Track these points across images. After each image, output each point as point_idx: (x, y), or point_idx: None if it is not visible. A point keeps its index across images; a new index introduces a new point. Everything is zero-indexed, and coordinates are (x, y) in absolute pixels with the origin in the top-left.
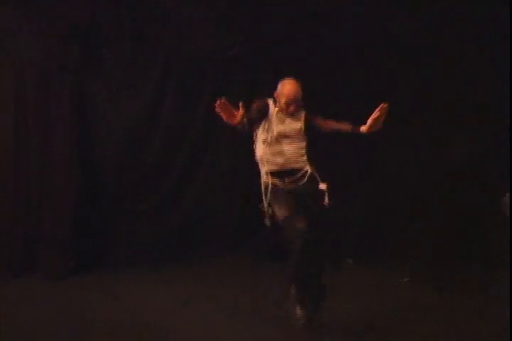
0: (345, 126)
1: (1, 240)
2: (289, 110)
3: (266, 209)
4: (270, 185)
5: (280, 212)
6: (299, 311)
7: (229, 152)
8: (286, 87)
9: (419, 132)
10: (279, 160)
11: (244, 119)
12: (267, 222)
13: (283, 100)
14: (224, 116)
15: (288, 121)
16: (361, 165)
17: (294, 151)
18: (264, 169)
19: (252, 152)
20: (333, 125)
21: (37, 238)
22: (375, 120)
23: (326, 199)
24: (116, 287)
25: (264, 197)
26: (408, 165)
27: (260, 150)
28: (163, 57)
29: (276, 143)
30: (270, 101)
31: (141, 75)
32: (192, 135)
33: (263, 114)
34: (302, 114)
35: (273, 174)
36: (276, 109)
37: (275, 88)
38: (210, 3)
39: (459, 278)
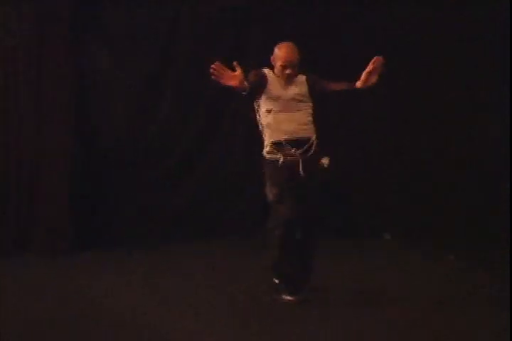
0: (343, 86)
1: None
2: (285, 73)
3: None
4: (274, 157)
5: (272, 192)
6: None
7: (244, 121)
8: (283, 50)
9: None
10: (289, 127)
11: (245, 82)
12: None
13: (279, 63)
14: (223, 80)
15: (291, 86)
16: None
17: (303, 118)
18: (270, 139)
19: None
20: (334, 86)
21: (31, 215)
22: (369, 73)
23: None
24: (111, 266)
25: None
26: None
27: (267, 118)
28: (173, 8)
29: (285, 110)
30: (266, 70)
31: (149, 30)
32: (205, 101)
33: (262, 84)
34: (304, 79)
35: (280, 144)
36: (275, 75)
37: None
38: None
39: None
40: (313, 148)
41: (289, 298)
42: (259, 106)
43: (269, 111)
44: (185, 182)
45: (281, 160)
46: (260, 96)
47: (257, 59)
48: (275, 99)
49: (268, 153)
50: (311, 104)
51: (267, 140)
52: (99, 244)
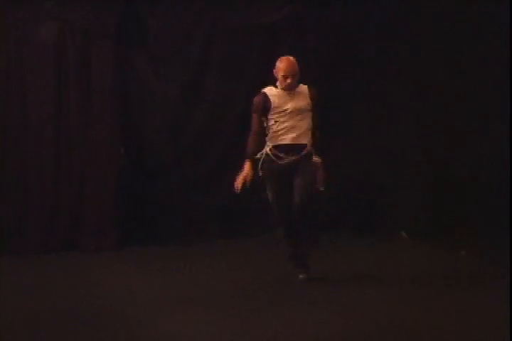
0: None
1: (43, 217)
2: (287, 82)
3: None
4: (273, 158)
5: (270, 194)
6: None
7: None
8: (283, 62)
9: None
10: (293, 134)
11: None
12: (262, 196)
13: (280, 74)
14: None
15: (294, 99)
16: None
17: (305, 127)
18: (272, 143)
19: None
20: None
21: (80, 216)
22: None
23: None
24: (149, 261)
25: (260, 168)
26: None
27: (273, 127)
28: (207, 22)
29: (290, 119)
30: (267, 90)
31: (185, 41)
32: (237, 107)
33: (266, 107)
34: (305, 89)
35: (281, 148)
36: (277, 89)
37: None
38: None
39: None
40: (306, 152)
41: (301, 276)
42: (267, 118)
43: (276, 122)
44: (216, 185)
45: (280, 161)
46: (268, 113)
47: None
48: (280, 111)
49: (268, 154)
50: (310, 114)
51: (270, 143)
52: (140, 241)
